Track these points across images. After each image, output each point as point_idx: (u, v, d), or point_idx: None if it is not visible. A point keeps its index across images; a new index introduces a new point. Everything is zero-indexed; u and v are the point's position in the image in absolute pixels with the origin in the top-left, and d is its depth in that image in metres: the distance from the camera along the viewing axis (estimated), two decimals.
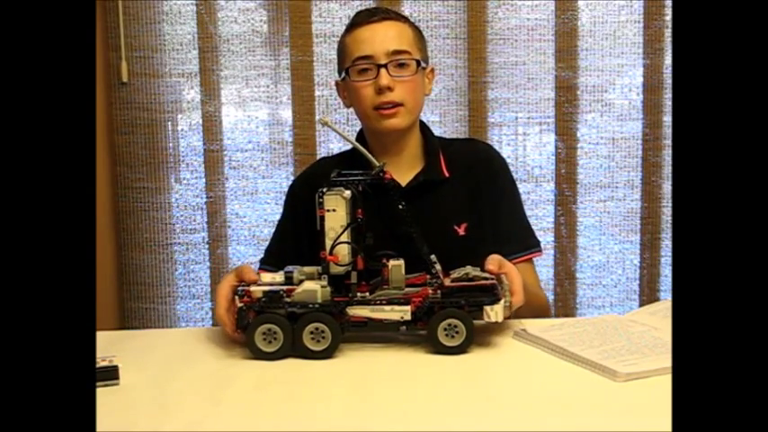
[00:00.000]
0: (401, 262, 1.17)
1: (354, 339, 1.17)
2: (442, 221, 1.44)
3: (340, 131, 1.27)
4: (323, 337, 1.11)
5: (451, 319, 1.11)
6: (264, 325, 1.12)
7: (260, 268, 1.52)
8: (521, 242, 1.49)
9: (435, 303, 1.13)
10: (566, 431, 0.87)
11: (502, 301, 1.11)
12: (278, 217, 1.60)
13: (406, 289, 1.17)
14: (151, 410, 0.95)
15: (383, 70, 1.39)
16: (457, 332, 1.11)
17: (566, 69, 2.30)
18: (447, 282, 1.17)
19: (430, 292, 1.15)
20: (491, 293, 1.13)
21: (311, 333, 1.12)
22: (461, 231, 1.44)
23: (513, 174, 1.58)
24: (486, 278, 1.17)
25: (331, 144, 2.29)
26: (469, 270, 1.18)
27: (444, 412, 0.92)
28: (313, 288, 1.14)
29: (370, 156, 1.22)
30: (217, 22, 2.26)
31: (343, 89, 1.50)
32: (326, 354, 1.11)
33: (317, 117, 2.28)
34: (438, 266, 1.17)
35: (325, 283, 1.15)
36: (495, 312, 1.10)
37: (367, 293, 1.15)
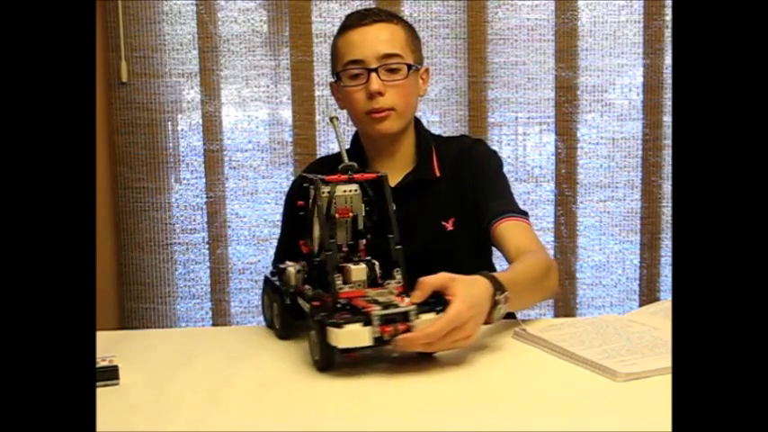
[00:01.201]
0: (361, 267, 1.10)
1: None
2: (430, 219, 1.43)
3: (338, 133, 1.26)
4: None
5: (312, 332, 1.06)
6: (266, 295, 1.28)
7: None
8: (501, 207, 1.41)
9: (319, 312, 1.06)
10: (566, 431, 0.87)
11: (352, 326, 0.99)
12: (278, 217, 1.61)
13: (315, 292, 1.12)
14: (151, 410, 0.95)
15: (374, 75, 1.38)
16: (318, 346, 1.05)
17: (566, 69, 2.30)
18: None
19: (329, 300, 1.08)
20: (348, 315, 1.02)
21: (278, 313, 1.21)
22: (449, 226, 1.44)
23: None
24: (382, 302, 1.04)
25: (331, 144, 2.29)
26: (382, 293, 1.08)
27: (444, 412, 0.92)
28: (290, 271, 1.18)
29: (345, 156, 1.19)
30: (217, 22, 2.26)
31: (336, 90, 1.49)
32: (280, 334, 1.21)
33: (318, 117, 2.28)
34: (399, 278, 1.10)
35: (299, 268, 1.18)
36: (335, 336, 1.00)
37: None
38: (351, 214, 1.13)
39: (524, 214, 1.42)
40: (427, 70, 1.50)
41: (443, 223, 1.44)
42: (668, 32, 2.28)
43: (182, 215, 2.33)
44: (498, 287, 1.10)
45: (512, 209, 1.42)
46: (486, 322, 1.10)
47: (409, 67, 1.41)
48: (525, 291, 1.22)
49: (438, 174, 1.46)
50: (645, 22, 2.29)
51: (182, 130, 2.31)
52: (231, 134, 2.32)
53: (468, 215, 1.44)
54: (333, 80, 1.49)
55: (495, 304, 1.09)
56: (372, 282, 1.11)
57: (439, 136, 1.57)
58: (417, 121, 1.51)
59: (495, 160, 1.51)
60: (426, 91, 1.50)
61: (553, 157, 2.33)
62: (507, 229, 1.37)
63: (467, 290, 1.04)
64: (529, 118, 2.33)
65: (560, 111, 2.31)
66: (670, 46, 2.27)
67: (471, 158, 1.48)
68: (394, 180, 1.43)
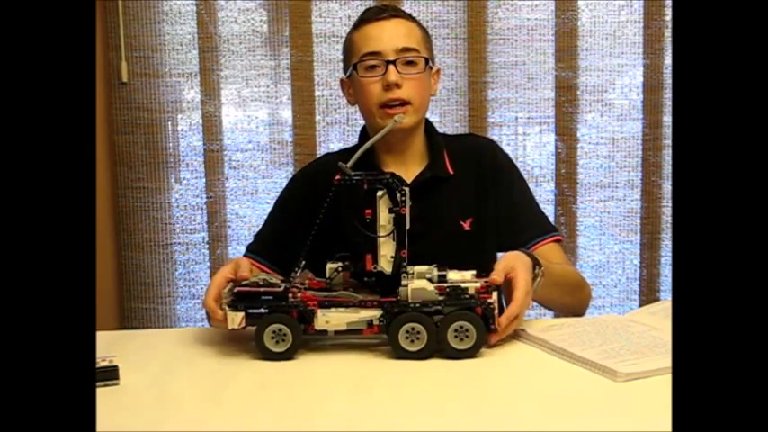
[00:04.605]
0: (334, 265, 1.18)
1: None
2: (448, 217, 1.45)
3: (383, 134, 1.31)
4: None
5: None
6: None
7: (246, 255, 1.49)
8: (539, 227, 1.49)
9: None
10: (566, 431, 0.87)
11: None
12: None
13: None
14: (151, 410, 0.95)
15: (391, 67, 1.39)
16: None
17: (566, 69, 2.30)
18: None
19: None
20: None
21: None
22: (467, 227, 1.45)
23: None
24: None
25: (331, 144, 2.29)
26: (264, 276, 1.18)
27: (444, 412, 0.92)
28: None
29: (354, 158, 1.21)
30: (217, 22, 2.26)
31: (347, 87, 1.49)
32: None
33: (318, 117, 2.28)
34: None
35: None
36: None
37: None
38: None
39: (555, 230, 1.51)
40: (438, 71, 1.52)
41: (461, 223, 1.45)
42: (668, 32, 2.28)
43: (182, 215, 2.33)
44: (536, 262, 1.24)
45: (546, 229, 1.49)
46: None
47: (426, 61, 1.42)
48: (557, 285, 1.33)
49: (451, 171, 1.47)
50: (645, 22, 2.29)
51: (182, 130, 2.31)
52: (231, 134, 2.32)
53: (485, 218, 1.46)
54: (345, 76, 1.49)
55: (534, 277, 1.22)
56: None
57: (445, 134, 1.58)
58: (426, 120, 1.52)
59: (515, 166, 1.56)
60: (437, 91, 1.51)
61: (553, 157, 2.33)
62: (545, 253, 1.43)
63: (525, 275, 1.18)
64: (529, 118, 2.33)
65: (560, 111, 2.31)
66: (670, 46, 2.27)
67: (495, 163, 1.51)
68: (407, 177, 1.43)
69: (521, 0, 2.27)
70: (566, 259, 1.51)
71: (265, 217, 1.58)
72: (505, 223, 1.47)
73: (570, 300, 1.43)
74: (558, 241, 1.49)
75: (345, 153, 1.57)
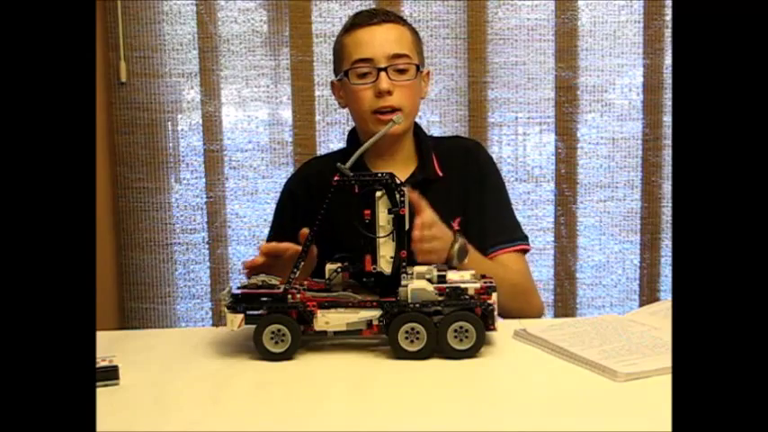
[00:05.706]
0: (333, 266, 1.18)
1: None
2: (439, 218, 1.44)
3: (379, 136, 1.30)
4: None
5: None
6: None
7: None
8: (506, 234, 1.49)
9: None
10: (566, 431, 0.87)
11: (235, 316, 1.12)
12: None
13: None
14: (151, 410, 0.95)
15: (383, 74, 1.39)
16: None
17: (566, 69, 2.30)
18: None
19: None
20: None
21: None
22: (455, 226, 1.45)
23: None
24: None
25: (331, 144, 2.29)
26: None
27: (444, 412, 0.92)
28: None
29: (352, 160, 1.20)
30: (217, 22, 2.26)
31: (338, 89, 1.50)
32: None
33: (318, 117, 2.28)
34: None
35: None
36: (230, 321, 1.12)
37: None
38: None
39: (523, 239, 1.51)
40: (429, 73, 1.52)
41: (450, 222, 1.45)
42: (668, 32, 2.28)
43: (182, 215, 2.33)
44: (458, 237, 1.27)
45: (514, 237, 1.49)
46: (449, 260, 1.25)
47: (417, 68, 1.43)
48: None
49: (440, 173, 1.48)
50: (645, 22, 2.29)
51: (182, 130, 2.31)
52: (231, 134, 2.32)
53: (470, 217, 1.47)
54: (336, 78, 1.49)
55: (454, 243, 1.25)
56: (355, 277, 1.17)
57: (432, 137, 1.59)
58: (415, 123, 1.52)
59: (498, 171, 1.56)
60: (427, 93, 1.52)
61: (553, 157, 2.33)
62: (504, 260, 1.45)
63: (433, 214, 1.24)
64: (529, 118, 2.33)
65: (560, 111, 2.31)
66: (670, 46, 2.27)
67: (479, 165, 1.52)
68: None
69: (521, 0, 2.28)
70: (524, 269, 1.50)
71: (268, 231, 1.59)
72: (473, 225, 1.47)
73: (506, 301, 1.36)
74: (524, 250, 1.50)
75: (334, 156, 1.57)
